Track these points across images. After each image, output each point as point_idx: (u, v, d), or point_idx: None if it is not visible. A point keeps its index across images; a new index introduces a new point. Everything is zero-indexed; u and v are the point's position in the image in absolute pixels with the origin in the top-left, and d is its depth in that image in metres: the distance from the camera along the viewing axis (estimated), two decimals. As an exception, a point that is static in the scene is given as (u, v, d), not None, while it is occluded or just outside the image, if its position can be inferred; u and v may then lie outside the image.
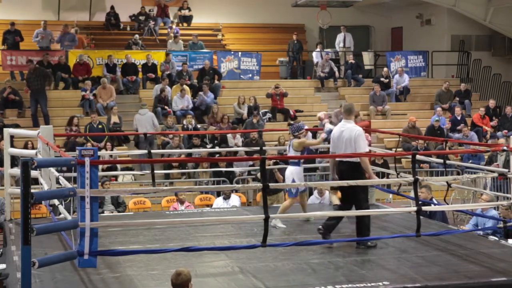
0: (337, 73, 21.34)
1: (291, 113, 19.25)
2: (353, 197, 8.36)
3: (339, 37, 23.08)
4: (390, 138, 17.88)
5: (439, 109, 19.31)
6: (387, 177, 12.11)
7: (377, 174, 13.15)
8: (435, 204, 10.15)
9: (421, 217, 7.94)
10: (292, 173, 9.66)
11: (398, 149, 14.31)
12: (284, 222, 9.54)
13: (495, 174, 9.63)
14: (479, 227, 9.93)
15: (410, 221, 9.18)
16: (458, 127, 18.66)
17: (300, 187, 9.56)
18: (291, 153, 9.76)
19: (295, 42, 22.70)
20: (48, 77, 18.17)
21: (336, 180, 8.53)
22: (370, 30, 25.95)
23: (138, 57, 19.92)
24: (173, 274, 5.65)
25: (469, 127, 18.55)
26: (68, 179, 8.11)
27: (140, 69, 19.66)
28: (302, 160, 9.86)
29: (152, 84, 19.51)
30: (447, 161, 10.44)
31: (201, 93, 18.70)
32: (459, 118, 18.98)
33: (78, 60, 19.23)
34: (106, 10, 23.62)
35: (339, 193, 9.49)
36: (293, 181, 9.58)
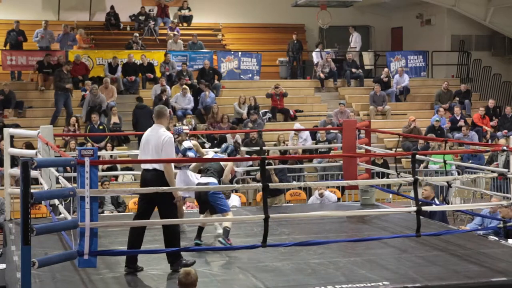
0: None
1: (291, 113, 19.25)
2: (164, 208, 7.45)
3: (352, 38, 23.12)
4: (390, 138, 17.87)
5: (441, 109, 19.27)
6: (387, 177, 12.09)
7: (377, 174, 13.21)
8: (436, 204, 10.14)
9: (421, 217, 7.94)
10: None
11: (398, 149, 14.31)
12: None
13: (495, 174, 9.62)
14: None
15: (410, 221, 9.17)
16: (458, 124, 18.66)
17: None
18: None
19: (295, 42, 22.69)
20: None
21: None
22: (370, 30, 25.92)
23: (138, 57, 19.89)
24: (182, 273, 5.64)
25: (469, 127, 18.54)
26: (68, 179, 8.11)
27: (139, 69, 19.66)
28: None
29: (151, 84, 19.49)
30: (447, 161, 10.44)
31: (202, 94, 18.67)
32: (458, 118, 18.98)
33: (74, 60, 19.22)
34: (106, 10, 23.59)
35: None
36: None
